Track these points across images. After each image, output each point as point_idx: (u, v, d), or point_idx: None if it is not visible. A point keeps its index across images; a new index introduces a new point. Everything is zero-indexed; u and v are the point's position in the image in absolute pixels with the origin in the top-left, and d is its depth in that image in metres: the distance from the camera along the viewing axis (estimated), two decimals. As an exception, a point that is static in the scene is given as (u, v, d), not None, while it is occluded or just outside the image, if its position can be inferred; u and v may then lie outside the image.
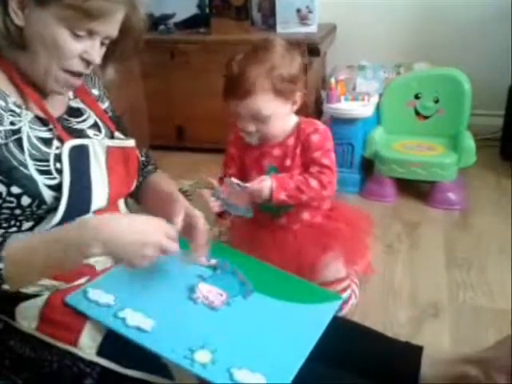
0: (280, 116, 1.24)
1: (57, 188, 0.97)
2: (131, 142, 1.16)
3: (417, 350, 1.20)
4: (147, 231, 0.93)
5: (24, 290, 0.99)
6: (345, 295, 1.42)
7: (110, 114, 1.21)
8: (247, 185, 1.23)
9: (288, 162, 1.29)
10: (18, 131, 0.95)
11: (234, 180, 1.24)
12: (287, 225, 1.37)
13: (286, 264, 1.31)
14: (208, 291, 1.04)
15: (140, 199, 1.26)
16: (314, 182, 1.26)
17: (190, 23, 2.98)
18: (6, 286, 0.90)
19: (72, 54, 0.95)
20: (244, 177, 1.36)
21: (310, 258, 1.35)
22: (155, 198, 1.20)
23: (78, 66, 0.97)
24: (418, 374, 1.15)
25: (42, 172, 0.96)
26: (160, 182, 1.24)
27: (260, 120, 1.22)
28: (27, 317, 0.97)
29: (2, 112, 0.94)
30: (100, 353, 0.93)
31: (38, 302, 0.98)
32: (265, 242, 1.35)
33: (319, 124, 1.33)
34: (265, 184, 1.24)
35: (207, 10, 2.92)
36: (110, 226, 0.92)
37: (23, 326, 0.97)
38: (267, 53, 1.21)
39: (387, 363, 1.17)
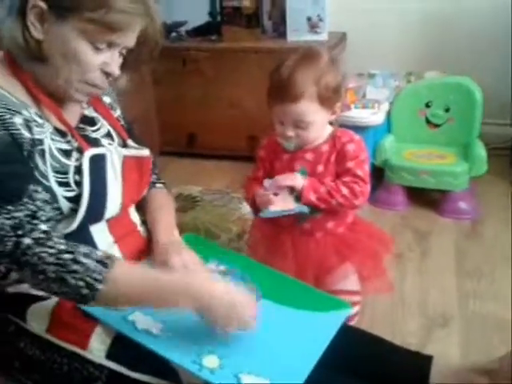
0: (320, 123, 1.27)
1: (74, 200, 0.98)
2: (146, 152, 1.16)
3: (426, 360, 1.19)
4: (239, 302, 0.92)
5: (35, 292, 0.99)
6: (353, 310, 1.41)
7: (122, 122, 1.22)
8: (278, 177, 1.27)
9: (320, 168, 1.31)
10: (42, 142, 0.96)
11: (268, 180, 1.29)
12: (310, 231, 1.37)
13: (303, 270, 1.32)
14: None
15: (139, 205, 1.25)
16: (345, 190, 1.28)
17: (201, 31, 3.01)
18: (91, 304, 0.90)
19: (93, 67, 0.96)
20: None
21: (328, 266, 1.35)
22: (149, 224, 1.20)
23: (98, 78, 0.98)
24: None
25: (61, 184, 0.97)
26: (155, 212, 1.21)
27: (301, 126, 1.25)
28: (38, 319, 0.97)
29: (29, 121, 0.94)
30: (109, 356, 0.94)
31: (49, 304, 0.98)
32: (284, 245, 1.35)
33: (354, 134, 1.34)
34: (297, 179, 1.27)
35: (219, 18, 2.95)
36: (206, 285, 0.93)
37: (34, 328, 0.98)
38: (315, 61, 1.24)
39: (396, 372, 1.16)
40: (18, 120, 0.92)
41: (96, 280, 0.87)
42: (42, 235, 0.88)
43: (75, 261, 0.88)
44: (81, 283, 0.87)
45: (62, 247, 0.89)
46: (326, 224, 1.37)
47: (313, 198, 1.26)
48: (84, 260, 0.88)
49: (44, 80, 0.98)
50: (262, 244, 1.38)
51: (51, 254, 0.87)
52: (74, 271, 0.87)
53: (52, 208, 0.95)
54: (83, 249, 0.91)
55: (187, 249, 1.12)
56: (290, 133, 1.26)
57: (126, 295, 0.91)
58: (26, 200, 0.89)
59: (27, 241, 0.87)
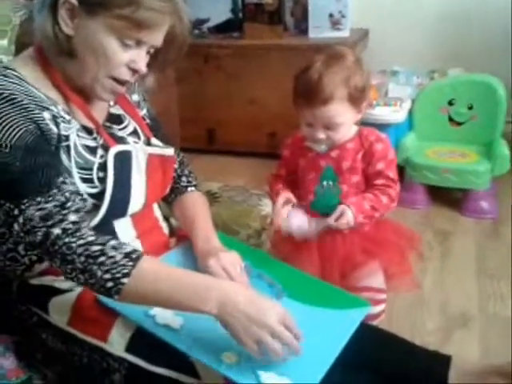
0: (349, 123, 1.27)
1: (97, 196, 0.99)
2: (170, 151, 1.17)
3: (445, 360, 1.18)
4: (263, 310, 0.88)
5: (57, 285, 1.02)
6: (379, 308, 1.41)
7: (148, 121, 1.22)
8: (328, 221, 1.24)
9: (346, 165, 1.30)
10: (68, 138, 0.98)
11: (314, 219, 1.29)
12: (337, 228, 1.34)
13: (328, 266, 1.32)
14: None
15: (173, 211, 1.26)
16: (384, 199, 1.28)
17: (223, 28, 3.01)
18: (116, 297, 0.90)
19: (120, 63, 0.97)
20: (297, 179, 1.37)
21: (355, 263, 1.34)
22: (188, 231, 1.19)
23: (125, 74, 0.99)
24: (445, 384, 1.14)
25: (84, 180, 0.98)
26: (195, 222, 1.19)
27: (331, 128, 1.24)
28: (59, 311, 0.99)
29: (57, 117, 0.96)
30: (128, 349, 0.95)
31: (71, 296, 1.00)
32: (309, 242, 1.35)
33: (380, 133, 1.34)
34: (348, 216, 1.23)
35: (240, 15, 2.95)
36: (230, 291, 0.90)
37: (55, 320, 1.00)
38: (342, 62, 1.23)
39: (414, 371, 1.15)
40: (46, 115, 0.93)
41: (122, 274, 0.88)
42: (71, 226, 0.90)
43: (103, 253, 0.89)
44: (107, 276, 0.88)
45: (91, 238, 0.90)
46: None
47: (361, 219, 1.25)
48: (112, 253, 0.89)
49: (72, 76, 0.99)
50: (287, 240, 1.38)
51: (80, 245, 0.89)
52: (102, 263, 0.88)
53: (81, 199, 0.96)
54: (113, 242, 0.91)
55: (226, 252, 1.11)
56: (321, 135, 1.25)
57: (151, 292, 0.90)
58: (55, 191, 0.91)
59: (57, 231, 0.89)
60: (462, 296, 1.73)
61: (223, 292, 0.89)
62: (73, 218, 0.91)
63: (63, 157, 0.96)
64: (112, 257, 0.89)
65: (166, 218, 1.23)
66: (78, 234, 0.90)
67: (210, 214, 1.24)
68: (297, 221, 1.28)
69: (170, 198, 1.25)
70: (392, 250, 1.36)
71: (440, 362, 1.18)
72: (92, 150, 1.01)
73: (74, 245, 0.89)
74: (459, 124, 2.46)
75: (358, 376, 1.04)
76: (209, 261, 1.08)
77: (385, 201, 1.28)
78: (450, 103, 2.44)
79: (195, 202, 1.25)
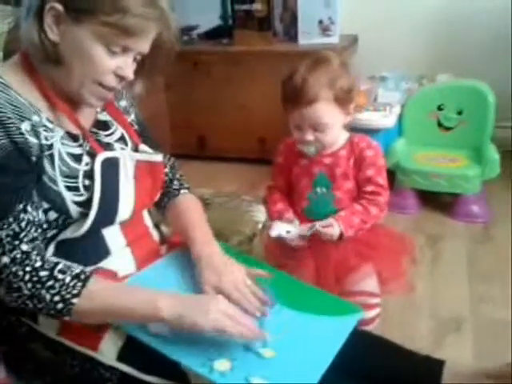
0: (336, 125, 1.29)
1: (83, 204, 0.98)
2: (159, 157, 1.15)
3: (438, 364, 1.18)
4: (212, 305, 0.92)
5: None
6: (373, 312, 1.40)
7: (136, 127, 1.21)
8: (316, 225, 1.27)
9: (339, 171, 1.32)
10: (51, 147, 0.97)
11: (303, 226, 1.29)
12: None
13: (322, 271, 1.32)
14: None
15: (166, 216, 1.25)
16: (373, 209, 1.31)
17: (213, 34, 3.02)
18: (67, 318, 0.92)
19: (107, 70, 0.96)
20: (292, 186, 1.39)
21: (349, 267, 1.35)
22: (184, 236, 1.18)
23: (111, 81, 0.98)
24: (438, 388, 1.14)
25: (70, 188, 0.97)
26: (191, 225, 1.17)
27: (319, 129, 1.26)
28: (49, 322, 0.98)
29: (38, 127, 0.95)
30: (120, 358, 0.94)
31: (61, 306, 0.99)
32: (303, 248, 1.35)
33: (371, 140, 1.36)
34: (333, 231, 1.27)
35: (230, 22, 2.95)
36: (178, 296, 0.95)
37: (45, 330, 0.98)
38: (327, 65, 1.26)
39: (407, 377, 1.15)
40: (25, 126, 0.92)
41: (72, 294, 0.89)
42: (20, 255, 0.89)
43: (51, 277, 0.90)
44: (56, 298, 0.89)
45: (38, 264, 0.90)
46: None
47: (351, 233, 1.28)
48: (60, 276, 0.90)
49: (59, 82, 0.98)
50: (280, 246, 1.38)
51: (27, 272, 0.89)
52: (51, 287, 0.89)
53: (38, 229, 0.94)
54: (60, 266, 0.92)
55: (228, 268, 1.08)
56: (310, 137, 1.27)
57: (103, 309, 0.92)
58: (10, 220, 0.89)
59: (4, 259, 0.88)
60: (453, 300, 1.74)
61: (173, 297, 0.93)
62: (24, 247, 0.90)
63: (47, 166, 0.95)
64: (61, 280, 0.90)
65: (157, 226, 1.22)
66: (26, 261, 0.89)
67: (205, 216, 1.22)
68: (276, 231, 1.29)
69: (163, 203, 1.24)
70: (385, 253, 1.38)
71: (433, 367, 1.18)
72: (77, 158, 1.00)
73: (20, 273, 0.89)
74: (448, 129, 2.48)
75: (352, 382, 1.03)
76: (205, 285, 1.05)
77: (374, 212, 1.31)
78: (440, 108, 2.45)
79: (189, 205, 1.24)
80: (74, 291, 0.89)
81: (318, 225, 1.27)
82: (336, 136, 1.31)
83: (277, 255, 1.38)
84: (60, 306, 0.89)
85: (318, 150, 1.32)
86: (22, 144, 0.90)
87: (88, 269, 0.95)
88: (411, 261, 1.48)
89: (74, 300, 0.89)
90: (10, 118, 0.90)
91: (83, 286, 0.90)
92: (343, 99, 1.26)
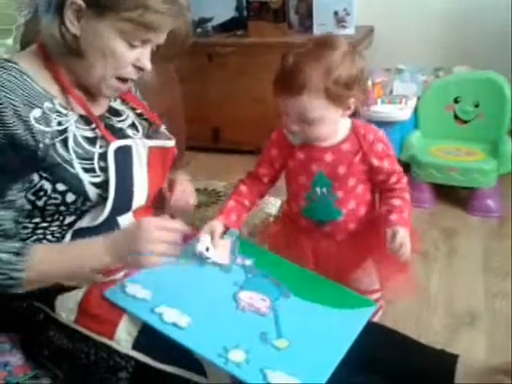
0: (330, 120, 1.15)
1: (101, 185, 1.00)
2: (171, 143, 1.17)
3: (452, 358, 1.17)
4: (138, 228, 0.94)
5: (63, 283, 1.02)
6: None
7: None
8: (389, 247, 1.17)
9: (342, 170, 1.21)
10: (65, 131, 0.99)
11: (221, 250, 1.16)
12: (331, 234, 1.30)
13: (322, 272, 1.29)
14: (250, 298, 1.04)
15: None
16: (407, 195, 1.28)
17: (227, 26, 3.01)
18: (20, 290, 0.94)
19: (127, 63, 0.99)
20: (287, 182, 1.32)
21: (349, 267, 1.32)
22: None
23: (131, 72, 1.01)
24: (452, 383, 1.13)
25: (86, 170, 0.99)
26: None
27: (306, 121, 1.13)
28: (66, 308, 1.00)
29: (49, 114, 0.97)
30: (135, 347, 0.95)
31: (77, 294, 1.01)
32: (303, 249, 1.32)
33: (376, 129, 1.25)
34: (400, 237, 1.17)
35: (245, 13, 2.95)
36: (112, 235, 0.97)
37: (62, 318, 1.00)
38: (328, 51, 1.10)
39: (421, 370, 1.15)
40: (34, 114, 0.94)
41: (17, 270, 0.90)
42: None
43: None
44: (2, 277, 0.90)
45: None
46: (347, 226, 1.30)
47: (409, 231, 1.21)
48: (2, 255, 0.91)
49: (77, 74, 1.01)
50: (280, 246, 1.35)
51: None
52: None
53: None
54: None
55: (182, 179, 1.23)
56: (295, 127, 1.16)
57: (51, 272, 0.94)
58: None
59: None
60: (468, 295, 1.73)
61: (107, 240, 0.95)
62: None
63: (61, 150, 0.97)
64: (4, 260, 0.90)
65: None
66: None
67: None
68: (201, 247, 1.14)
69: None
70: (385, 248, 1.24)
71: (447, 361, 1.17)
72: (91, 141, 1.02)
73: None
74: (465, 122, 2.45)
75: (365, 375, 1.03)
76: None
77: (407, 196, 1.28)
78: (456, 101, 2.43)
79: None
80: (18, 267, 0.90)
81: (389, 245, 1.16)
82: (331, 130, 1.18)
83: (277, 243, 1.35)
84: (10, 282, 0.91)
85: (304, 141, 1.21)
86: (22, 134, 0.91)
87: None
88: (419, 256, 1.44)
89: (22, 274, 0.90)
90: (15, 106, 0.91)
91: (25, 260, 0.91)
92: (336, 93, 1.09)
